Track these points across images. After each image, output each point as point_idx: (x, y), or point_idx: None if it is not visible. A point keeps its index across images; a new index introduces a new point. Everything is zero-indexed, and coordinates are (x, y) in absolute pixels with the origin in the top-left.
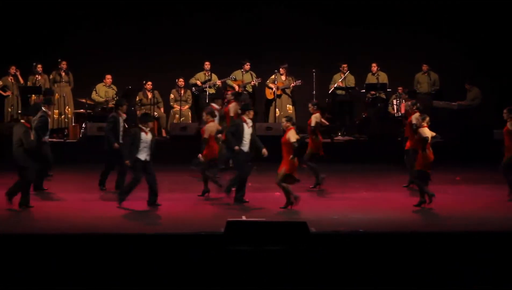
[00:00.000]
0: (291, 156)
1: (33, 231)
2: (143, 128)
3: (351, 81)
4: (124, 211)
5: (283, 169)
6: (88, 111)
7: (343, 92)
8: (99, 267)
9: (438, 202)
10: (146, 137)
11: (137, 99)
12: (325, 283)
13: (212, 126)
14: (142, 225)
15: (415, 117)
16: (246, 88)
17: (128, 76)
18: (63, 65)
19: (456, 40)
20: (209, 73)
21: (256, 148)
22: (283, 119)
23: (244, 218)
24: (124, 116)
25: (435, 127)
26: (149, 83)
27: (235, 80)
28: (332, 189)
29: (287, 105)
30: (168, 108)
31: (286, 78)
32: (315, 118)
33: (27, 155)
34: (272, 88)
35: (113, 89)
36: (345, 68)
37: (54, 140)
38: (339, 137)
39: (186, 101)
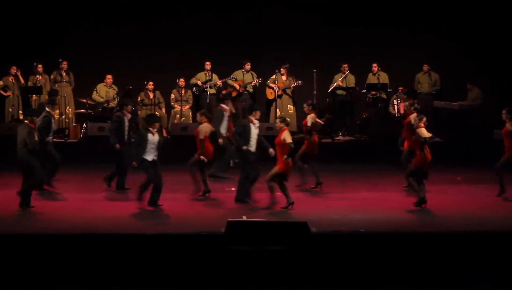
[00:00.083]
0: (285, 156)
1: (33, 231)
2: (150, 129)
3: (351, 81)
4: (125, 211)
5: (276, 168)
6: (89, 111)
7: (344, 92)
8: (99, 267)
9: (439, 202)
10: (153, 138)
11: (139, 99)
12: (325, 283)
13: (206, 126)
14: (143, 225)
15: (413, 118)
16: (247, 88)
17: (128, 76)
18: (64, 65)
19: (457, 40)
20: (209, 73)
21: (262, 148)
22: (277, 120)
23: (244, 218)
24: (129, 116)
25: (436, 127)
26: (151, 83)
27: (235, 80)
28: (332, 189)
29: (288, 105)
30: (168, 108)
31: (287, 78)
32: (311, 118)
33: (31, 155)
34: (273, 88)
35: (114, 89)
36: (346, 68)
37: (55, 140)
38: (340, 137)
39: (186, 101)
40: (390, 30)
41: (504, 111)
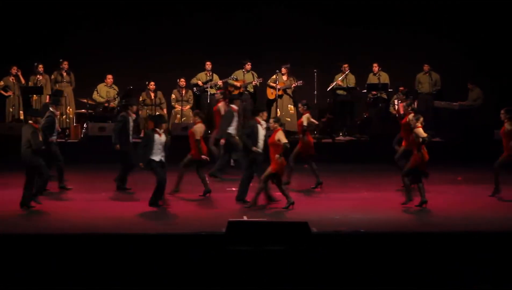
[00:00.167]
0: (277, 155)
1: (33, 231)
2: (157, 129)
3: (351, 80)
4: (125, 211)
5: (269, 168)
6: (90, 111)
7: (344, 92)
8: (99, 267)
9: (439, 202)
10: (160, 138)
11: (140, 99)
12: (326, 283)
13: (200, 127)
14: (143, 225)
15: (410, 118)
16: (248, 88)
17: (129, 76)
18: (65, 65)
19: (457, 40)
20: (210, 73)
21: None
22: (271, 120)
23: (245, 218)
24: (134, 116)
25: (436, 127)
26: (152, 83)
27: (236, 80)
28: (333, 189)
29: (288, 105)
30: (169, 108)
31: (287, 78)
32: (306, 118)
33: (36, 156)
34: (273, 88)
35: (114, 89)
36: (346, 68)
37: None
38: (340, 137)
39: (187, 101)
40: (391, 30)
41: (502, 111)
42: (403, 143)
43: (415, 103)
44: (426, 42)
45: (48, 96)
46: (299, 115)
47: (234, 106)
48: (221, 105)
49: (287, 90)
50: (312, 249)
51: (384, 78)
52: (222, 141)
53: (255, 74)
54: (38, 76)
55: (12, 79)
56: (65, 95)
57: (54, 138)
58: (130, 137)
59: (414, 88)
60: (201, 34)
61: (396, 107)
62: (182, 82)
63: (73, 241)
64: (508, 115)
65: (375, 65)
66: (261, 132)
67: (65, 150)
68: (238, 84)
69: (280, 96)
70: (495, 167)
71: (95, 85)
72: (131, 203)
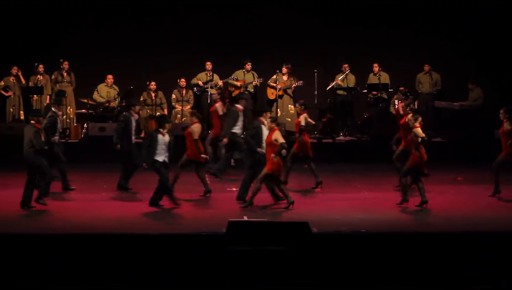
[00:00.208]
0: (273, 155)
1: (34, 231)
2: (161, 130)
3: (351, 80)
4: (126, 211)
5: (265, 169)
6: (90, 111)
7: (345, 93)
8: (100, 267)
9: (440, 202)
10: (164, 138)
11: (141, 99)
12: (326, 283)
13: (198, 126)
14: (144, 225)
15: (408, 118)
16: (248, 88)
17: (129, 76)
18: (65, 65)
19: (458, 40)
20: (210, 73)
21: None
22: (268, 120)
23: (245, 218)
24: (136, 116)
25: (437, 127)
26: (153, 83)
27: (236, 80)
28: (333, 189)
29: (289, 106)
30: (169, 108)
31: (288, 78)
32: (304, 118)
33: (38, 156)
34: (274, 88)
35: (115, 89)
36: (346, 68)
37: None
38: (341, 137)
39: (187, 101)
40: (391, 30)
41: (501, 111)
42: (402, 143)
43: (415, 104)
44: (427, 42)
45: (48, 96)
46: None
47: (239, 106)
48: (218, 106)
49: (287, 90)
50: (313, 249)
51: (385, 78)
52: (225, 140)
53: (256, 74)
54: (39, 76)
55: (13, 79)
56: (66, 96)
57: (56, 138)
58: (133, 137)
59: (414, 88)
60: (202, 34)
61: (396, 107)
62: (183, 82)
63: (74, 241)
64: (507, 115)
65: (375, 65)
66: (265, 133)
67: (66, 150)
68: (238, 84)
69: (281, 96)
70: (494, 167)
71: (96, 85)
72: (132, 203)
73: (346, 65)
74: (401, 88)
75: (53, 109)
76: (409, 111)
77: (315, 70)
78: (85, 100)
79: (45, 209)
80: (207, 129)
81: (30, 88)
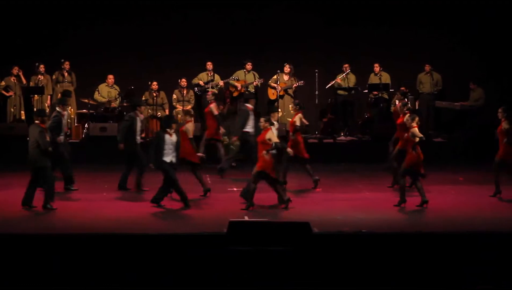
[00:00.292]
0: (264, 152)
1: (35, 231)
2: (168, 130)
3: (352, 80)
4: (127, 211)
5: (255, 167)
6: (91, 111)
7: (346, 93)
8: (100, 267)
9: (441, 202)
10: (171, 139)
11: (143, 99)
12: (327, 283)
13: (191, 125)
14: (145, 225)
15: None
16: (249, 89)
17: (130, 76)
18: (66, 65)
19: (459, 40)
20: (211, 73)
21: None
22: (262, 119)
23: (246, 218)
24: (142, 116)
25: (438, 127)
26: (155, 83)
27: (237, 80)
28: (334, 189)
29: (290, 106)
30: (170, 108)
31: (289, 78)
32: (299, 118)
33: (44, 156)
34: (274, 88)
35: (116, 89)
36: (347, 68)
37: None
38: (342, 138)
39: (188, 101)
40: (392, 30)
41: (500, 110)
42: (399, 143)
43: (416, 104)
44: (428, 42)
45: (49, 96)
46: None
47: (249, 105)
48: (212, 106)
49: (288, 90)
50: (314, 249)
51: (385, 78)
52: (234, 139)
53: (256, 74)
54: (40, 76)
55: (14, 79)
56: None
57: (61, 137)
58: (138, 138)
59: (415, 88)
60: (202, 34)
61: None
62: (183, 82)
63: (74, 241)
64: (505, 114)
65: (376, 65)
66: (274, 133)
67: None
68: (239, 84)
69: (281, 96)
70: (494, 168)
71: (96, 85)
72: (132, 203)
73: (346, 65)
74: (402, 88)
75: (57, 109)
76: (406, 111)
77: (316, 70)
78: (86, 100)
79: (46, 209)
80: (203, 129)
81: (31, 88)
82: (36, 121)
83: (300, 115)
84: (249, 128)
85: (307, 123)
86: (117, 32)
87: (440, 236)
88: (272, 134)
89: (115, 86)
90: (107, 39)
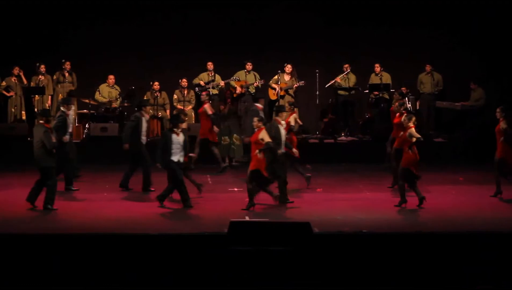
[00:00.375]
0: (257, 151)
1: (34, 231)
2: (175, 129)
3: (352, 80)
4: (127, 211)
5: (250, 167)
6: (91, 111)
7: (346, 93)
8: (101, 267)
9: (441, 202)
10: (178, 138)
11: (144, 98)
12: (328, 283)
13: (184, 125)
14: (145, 225)
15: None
16: (249, 89)
17: (130, 76)
18: (67, 65)
19: (459, 41)
20: (212, 74)
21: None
22: (255, 119)
23: (247, 218)
24: (147, 116)
25: (438, 127)
26: (156, 83)
27: (238, 80)
28: (335, 189)
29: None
30: (171, 108)
31: (290, 78)
32: (293, 118)
33: (49, 157)
34: (275, 89)
35: (117, 89)
36: (347, 68)
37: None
38: (343, 138)
39: (189, 101)
40: (393, 30)
41: (498, 110)
42: (396, 142)
43: (417, 104)
44: (428, 42)
45: (50, 97)
46: (302, 115)
47: (259, 105)
48: (206, 106)
49: (289, 90)
50: (314, 249)
51: (386, 78)
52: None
53: (257, 75)
54: (40, 76)
55: (14, 80)
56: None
57: (67, 137)
58: (143, 138)
59: (416, 89)
60: (203, 34)
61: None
62: (184, 82)
63: (74, 241)
64: (503, 114)
65: (377, 65)
66: (282, 133)
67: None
68: (238, 85)
69: (282, 97)
70: (494, 168)
71: (97, 86)
72: (133, 203)
73: (346, 65)
74: (402, 88)
75: (62, 108)
76: (403, 111)
77: (317, 70)
78: (87, 101)
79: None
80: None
81: (31, 89)
82: (41, 121)
83: (294, 115)
84: None
85: (301, 123)
86: (117, 32)
87: (440, 236)
88: (265, 134)
89: (115, 86)
90: (108, 39)
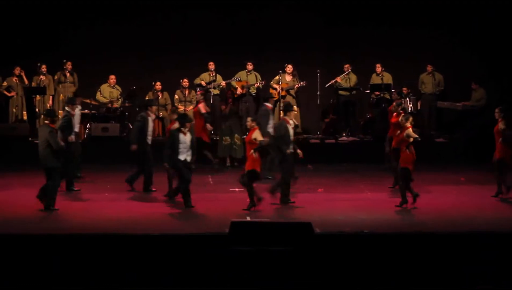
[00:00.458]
0: (252, 151)
1: (34, 231)
2: (182, 129)
3: (353, 80)
4: (128, 211)
5: (245, 168)
6: (93, 111)
7: (347, 93)
8: (101, 267)
9: (442, 202)
10: (185, 138)
11: (146, 98)
12: (329, 283)
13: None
14: (146, 226)
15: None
16: (250, 90)
17: (131, 76)
18: (68, 65)
19: (460, 41)
20: (213, 74)
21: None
22: (248, 119)
23: (248, 218)
24: (153, 116)
25: (440, 127)
26: (158, 83)
27: (239, 80)
28: (336, 189)
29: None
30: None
31: (291, 78)
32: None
33: (55, 157)
34: (276, 89)
35: (118, 89)
36: (348, 68)
37: None
38: (344, 138)
39: (190, 101)
40: (394, 30)
41: (497, 110)
42: (393, 142)
43: (418, 104)
44: (429, 43)
45: (51, 97)
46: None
47: (268, 104)
48: (201, 106)
49: (290, 90)
50: (316, 249)
51: (387, 78)
52: (266, 140)
53: (258, 75)
54: (41, 76)
55: (15, 80)
56: (68, 96)
57: (72, 136)
58: (149, 138)
59: (417, 89)
60: (203, 34)
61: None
62: (185, 82)
63: (74, 241)
64: (502, 114)
65: (378, 65)
66: (291, 132)
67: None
68: (239, 86)
69: (283, 97)
70: (494, 168)
71: (98, 86)
72: (134, 204)
73: (347, 65)
74: (404, 89)
75: (66, 108)
76: (401, 111)
77: (318, 70)
78: (88, 101)
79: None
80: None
81: (32, 89)
82: (46, 121)
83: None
84: (269, 127)
85: (296, 123)
86: (118, 32)
87: (440, 236)
88: (258, 134)
89: (117, 86)
90: (108, 39)
